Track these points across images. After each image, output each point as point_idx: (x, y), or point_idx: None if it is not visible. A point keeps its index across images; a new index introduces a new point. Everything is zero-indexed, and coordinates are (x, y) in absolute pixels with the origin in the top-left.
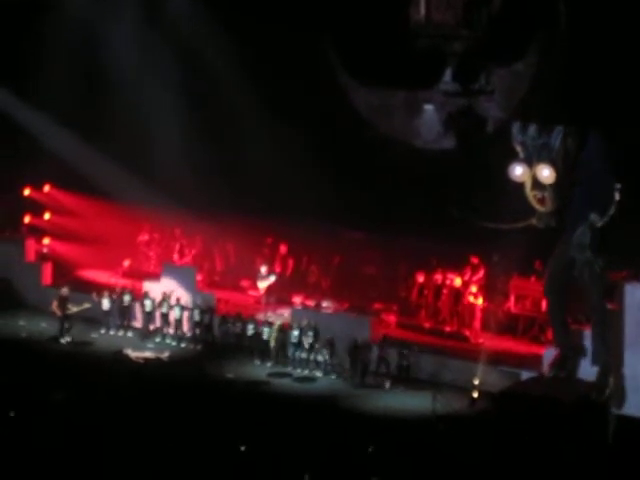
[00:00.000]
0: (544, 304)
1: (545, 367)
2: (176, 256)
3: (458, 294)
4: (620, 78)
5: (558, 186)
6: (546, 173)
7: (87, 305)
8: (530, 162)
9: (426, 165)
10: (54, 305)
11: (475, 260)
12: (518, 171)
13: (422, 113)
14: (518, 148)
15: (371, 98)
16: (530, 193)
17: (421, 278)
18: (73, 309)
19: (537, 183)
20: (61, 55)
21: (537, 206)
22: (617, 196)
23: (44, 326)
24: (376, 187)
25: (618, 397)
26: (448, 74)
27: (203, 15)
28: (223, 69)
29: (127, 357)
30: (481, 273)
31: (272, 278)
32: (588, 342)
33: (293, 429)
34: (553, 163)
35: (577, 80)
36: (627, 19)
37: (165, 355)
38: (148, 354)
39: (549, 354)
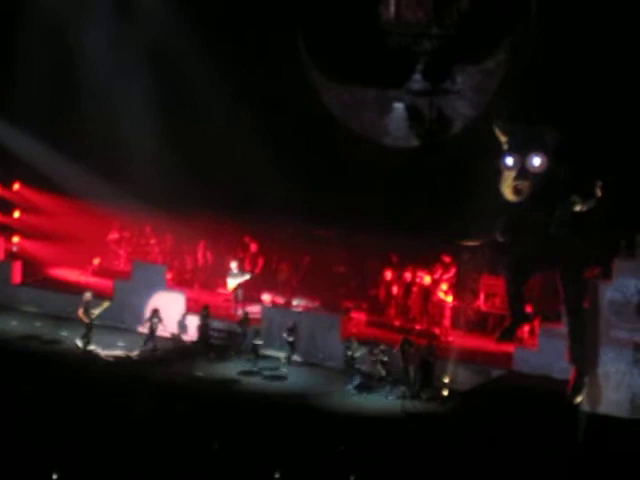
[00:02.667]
0: None
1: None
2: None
3: (428, 292)
4: (591, 76)
5: (541, 175)
6: (537, 162)
7: (107, 304)
8: (518, 151)
9: (397, 163)
10: (81, 312)
11: (447, 259)
12: (509, 161)
13: (392, 111)
14: (503, 138)
15: (342, 95)
16: (511, 183)
17: (391, 276)
18: (95, 312)
19: (523, 173)
20: (31, 59)
21: (512, 196)
22: (598, 192)
23: (14, 324)
24: (346, 185)
25: (589, 395)
26: (418, 72)
27: (174, 15)
28: (194, 70)
29: (97, 355)
30: (451, 271)
31: (246, 276)
32: (563, 340)
33: (263, 427)
34: (543, 152)
35: (547, 78)
36: (597, 17)
37: (135, 353)
38: (118, 352)
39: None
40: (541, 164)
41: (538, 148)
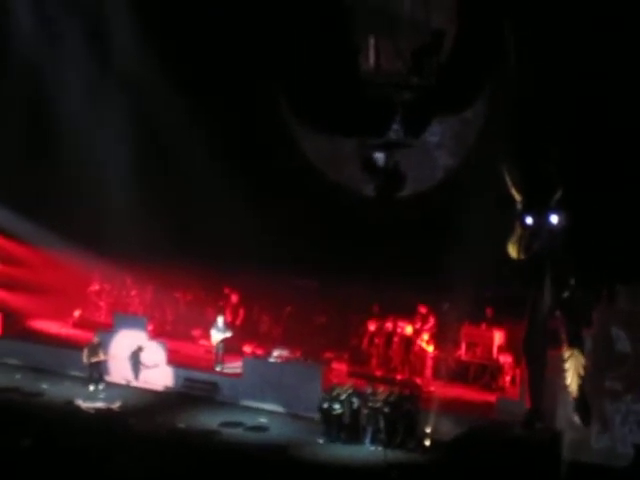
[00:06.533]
0: (494, 351)
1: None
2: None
3: (409, 342)
4: (570, 129)
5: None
6: (555, 220)
7: (104, 357)
8: (535, 209)
9: (378, 213)
10: (85, 353)
11: (423, 310)
12: (529, 221)
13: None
14: (518, 197)
15: (322, 145)
16: (525, 242)
17: (372, 326)
18: (102, 357)
19: (538, 231)
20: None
21: (520, 254)
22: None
23: None
24: (327, 236)
25: (571, 444)
26: (397, 123)
27: (153, 63)
28: (171, 120)
29: (78, 408)
30: (432, 321)
31: (228, 334)
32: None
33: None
34: (559, 209)
35: (526, 129)
36: (578, 70)
37: (116, 405)
38: (99, 404)
39: (503, 403)
40: (559, 222)
41: (554, 205)
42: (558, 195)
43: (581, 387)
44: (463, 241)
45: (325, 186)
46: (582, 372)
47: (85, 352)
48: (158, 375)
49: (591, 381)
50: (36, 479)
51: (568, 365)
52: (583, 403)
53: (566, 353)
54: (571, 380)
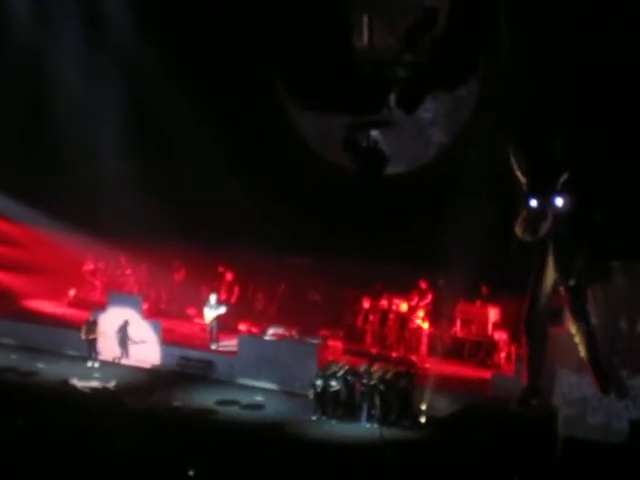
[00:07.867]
0: (489, 328)
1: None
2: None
3: (404, 319)
4: (562, 108)
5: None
6: (560, 203)
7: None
8: (540, 192)
9: (372, 190)
10: (84, 330)
11: (424, 285)
12: (534, 203)
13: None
14: (523, 179)
15: (315, 124)
16: (531, 224)
17: (367, 304)
18: (97, 334)
19: (544, 214)
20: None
21: (529, 237)
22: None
23: None
24: (322, 213)
25: (566, 419)
26: (392, 100)
27: (149, 49)
28: (168, 102)
29: (74, 387)
30: (428, 298)
31: (222, 309)
32: None
33: (240, 457)
34: (565, 192)
35: (530, 110)
36: (577, 46)
37: (112, 384)
38: (95, 384)
39: (499, 379)
40: (564, 205)
41: (559, 188)
42: (564, 178)
43: (592, 356)
44: (457, 218)
45: (319, 164)
46: (590, 339)
47: (83, 329)
48: (153, 354)
49: None
50: (32, 458)
51: (578, 339)
52: (600, 372)
53: (572, 328)
54: (584, 352)
